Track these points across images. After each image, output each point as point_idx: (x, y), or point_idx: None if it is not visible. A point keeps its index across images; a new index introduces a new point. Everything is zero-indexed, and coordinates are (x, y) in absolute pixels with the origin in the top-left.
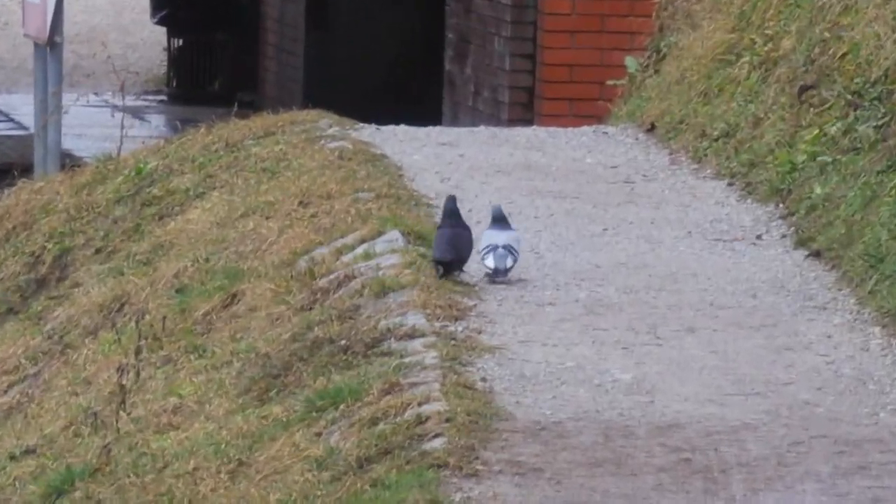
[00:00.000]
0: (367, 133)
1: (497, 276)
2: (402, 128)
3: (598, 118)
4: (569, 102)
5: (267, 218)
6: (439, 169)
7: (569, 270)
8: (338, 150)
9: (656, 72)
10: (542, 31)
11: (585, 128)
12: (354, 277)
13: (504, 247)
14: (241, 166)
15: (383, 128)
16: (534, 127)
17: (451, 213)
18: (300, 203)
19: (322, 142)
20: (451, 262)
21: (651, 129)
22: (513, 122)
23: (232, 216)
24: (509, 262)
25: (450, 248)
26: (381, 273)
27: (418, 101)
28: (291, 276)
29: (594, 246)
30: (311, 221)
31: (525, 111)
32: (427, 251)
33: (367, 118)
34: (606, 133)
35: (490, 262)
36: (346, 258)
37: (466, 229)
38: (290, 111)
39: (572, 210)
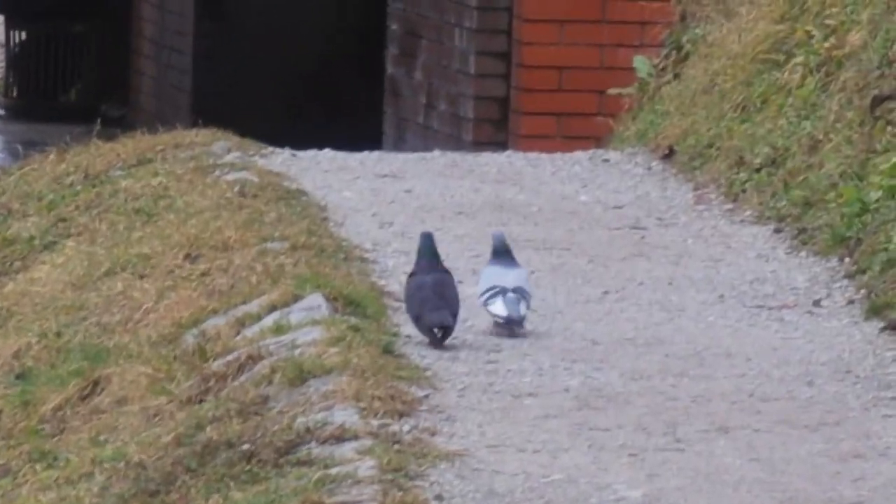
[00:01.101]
0: (280, 160)
1: (512, 325)
2: (328, 153)
3: (596, 140)
4: (556, 119)
5: (141, 277)
6: (378, 210)
7: (556, 348)
8: (238, 185)
9: (676, 77)
10: (521, 19)
11: (579, 153)
12: (261, 358)
13: (515, 290)
14: (105, 206)
15: (302, 153)
16: (508, 152)
17: (430, 252)
18: (187, 256)
19: (217, 172)
20: (452, 326)
21: (669, 154)
22: (480, 145)
23: (93, 274)
24: (523, 310)
25: (442, 302)
26: (297, 353)
27: (350, 117)
28: (175, 357)
29: (591, 315)
30: (201, 282)
31: (496, 131)
32: (362, 322)
33: (279, 140)
34: (608, 160)
35: (499, 308)
36: (249, 332)
37: (449, 274)
38: (173, 130)
39: (561, 266)
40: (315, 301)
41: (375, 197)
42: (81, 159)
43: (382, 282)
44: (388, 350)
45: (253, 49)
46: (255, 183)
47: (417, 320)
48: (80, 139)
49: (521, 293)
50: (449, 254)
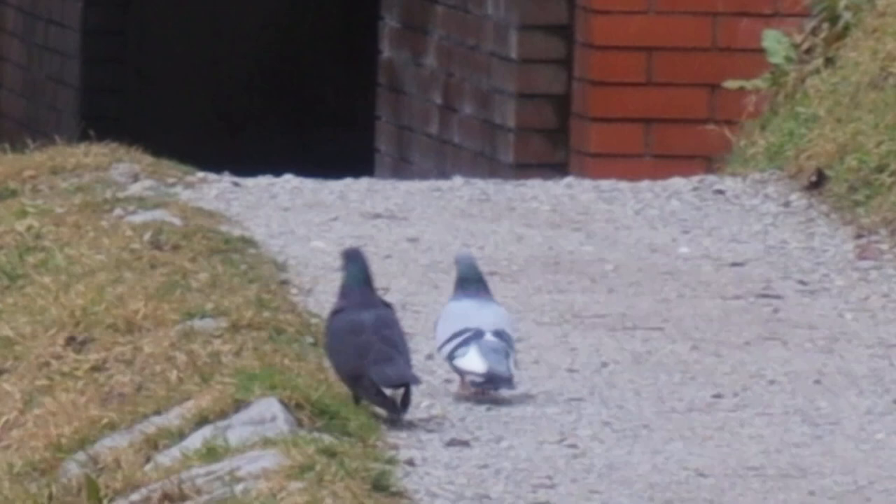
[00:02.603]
0: (215, 193)
1: (497, 385)
2: (290, 181)
3: (705, 161)
4: (644, 128)
5: (0, 373)
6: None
7: (641, 483)
8: (151, 230)
9: (829, 62)
10: None
11: (679, 181)
12: (184, 500)
13: (496, 333)
14: None
15: (249, 181)
16: (569, 180)
17: (363, 279)
18: (70, 341)
19: (118, 211)
20: (413, 383)
21: (818, 182)
22: (525, 168)
23: None
24: (510, 363)
25: (393, 350)
26: (240, 490)
27: (323, 126)
28: (50, 497)
29: (694, 430)
30: (92, 380)
31: (551, 147)
32: (340, 442)
33: (214, 161)
34: (722, 192)
35: (474, 361)
36: (165, 458)
37: (391, 309)
38: (50, 146)
39: (649, 355)
40: (268, 409)
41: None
42: None
43: None
44: (380, 486)
45: (175, 20)
46: (175, 227)
47: (356, 379)
48: None
49: (505, 338)
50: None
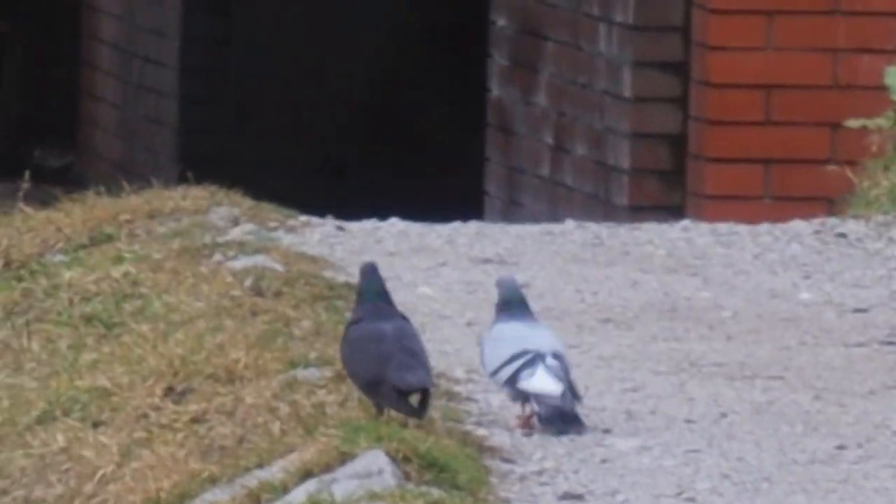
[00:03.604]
0: (318, 237)
1: (567, 425)
2: (396, 225)
3: (827, 203)
4: (763, 168)
5: (96, 425)
6: (476, 315)
7: None
8: (252, 277)
9: None
10: (705, 9)
11: (799, 224)
12: None
13: (555, 356)
14: (38, 312)
15: (353, 225)
16: (685, 223)
17: (378, 291)
18: (168, 392)
19: (217, 257)
20: (431, 388)
21: None
22: (640, 211)
23: (18, 421)
24: (570, 393)
25: (413, 359)
26: None
27: (431, 168)
28: None
29: (818, 484)
30: (191, 432)
31: (666, 189)
32: (450, 497)
33: (316, 204)
34: (845, 236)
35: (544, 381)
36: None
37: (409, 322)
38: (147, 189)
39: (770, 405)
40: (375, 462)
41: (472, 295)
42: (0, 236)
43: (482, 431)
44: None
45: (275, 59)
46: (277, 273)
47: (375, 386)
48: None
49: (564, 362)
50: (589, 387)
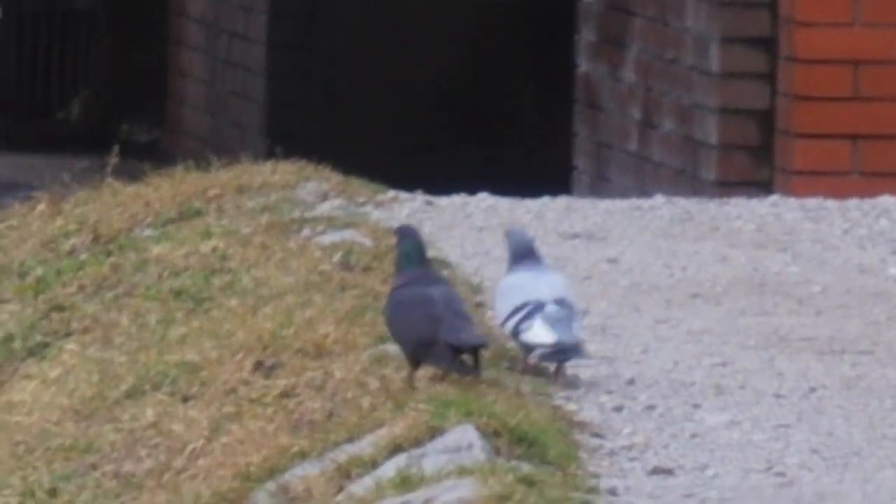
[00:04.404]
0: (407, 212)
1: (564, 355)
2: (485, 200)
3: None
4: (852, 144)
5: (185, 400)
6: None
7: None
8: (341, 251)
9: None
10: None
11: (887, 198)
12: None
13: (557, 302)
14: (127, 287)
15: (442, 200)
16: (774, 198)
17: (421, 256)
18: (258, 367)
19: (306, 232)
20: (486, 346)
21: None
22: (728, 186)
23: (108, 396)
24: (577, 329)
25: (463, 321)
26: None
27: (518, 143)
28: None
29: None
30: (281, 406)
31: (754, 164)
32: (539, 471)
33: (405, 179)
34: None
35: (540, 332)
36: (358, 487)
37: (453, 288)
38: (236, 164)
39: (859, 380)
40: (464, 437)
41: (561, 270)
42: (88, 212)
43: (572, 406)
44: None
45: (363, 35)
46: (367, 249)
47: (428, 346)
48: (86, 179)
49: (567, 306)
50: (678, 361)
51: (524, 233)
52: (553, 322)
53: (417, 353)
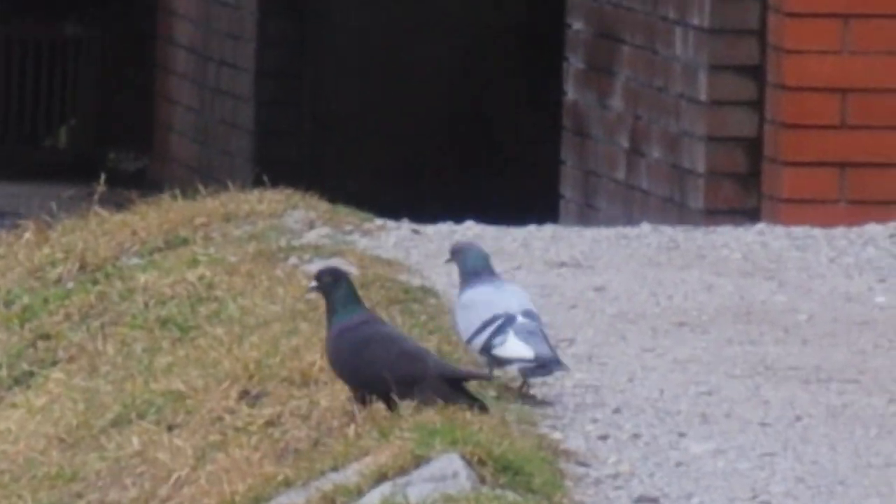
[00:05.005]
0: (394, 240)
1: (547, 370)
2: (472, 228)
3: None
4: (839, 172)
5: (170, 428)
6: (552, 319)
7: None
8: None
9: None
10: (780, 13)
11: (875, 228)
12: None
13: (525, 314)
14: (113, 316)
15: (428, 229)
16: (761, 226)
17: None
18: (243, 395)
19: (292, 260)
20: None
21: None
22: (715, 215)
23: (93, 424)
24: (549, 342)
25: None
26: None
27: (505, 171)
28: None
29: (893, 487)
30: (266, 435)
31: (742, 192)
32: (524, 500)
33: (391, 207)
34: None
35: (516, 346)
36: None
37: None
38: (223, 192)
39: (845, 409)
40: (450, 465)
41: (546, 298)
42: (75, 240)
43: (557, 434)
44: None
45: (351, 63)
46: (353, 277)
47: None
48: (72, 207)
49: (535, 318)
50: (664, 390)
51: (479, 247)
52: (526, 336)
53: (402, 389)
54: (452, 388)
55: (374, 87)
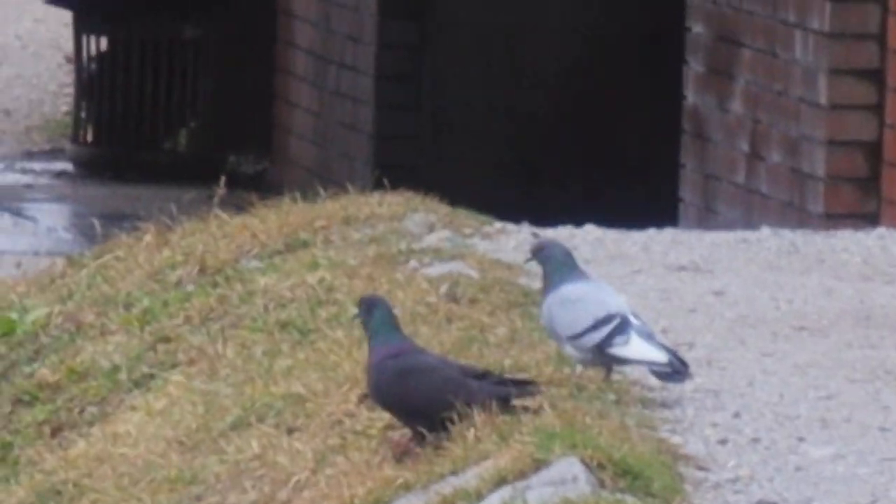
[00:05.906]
0: (514, 244)
1: (680, 376)
2: (592, 232)
3: None
4: None
5: (290, 431)
6: (670, 322)
7: None
8: (447, 283)
9: None
10: None
11: None
12: None
13: (635, 316)
14: (233, 319)
15: (547, 231)
16: (882, 230)
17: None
18: (362, 399)
19: (413, 263)
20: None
21: None
22: (836, 219)
23: (213, 427)
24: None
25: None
26: None
27: (625, 175)
28: None
29: None
30: (386, 438)
31: (862, 196)
32: (642, 502)
33: (512, 211)
34: None
35: (650, 350)
36: None
37: None
38: (343, 195)
39: None
40: (569, 469)
41: (666, 302)
42: (195, 243)
43: (676, 438)
44: None
45: (471, 66)
46: (473, 280)
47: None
48: (192, 210)
49: (644, 322)
50: (783, 394)
51: (562, 244)
52: (647, 338)
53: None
54: (503, 404)
55: (493, 90)
